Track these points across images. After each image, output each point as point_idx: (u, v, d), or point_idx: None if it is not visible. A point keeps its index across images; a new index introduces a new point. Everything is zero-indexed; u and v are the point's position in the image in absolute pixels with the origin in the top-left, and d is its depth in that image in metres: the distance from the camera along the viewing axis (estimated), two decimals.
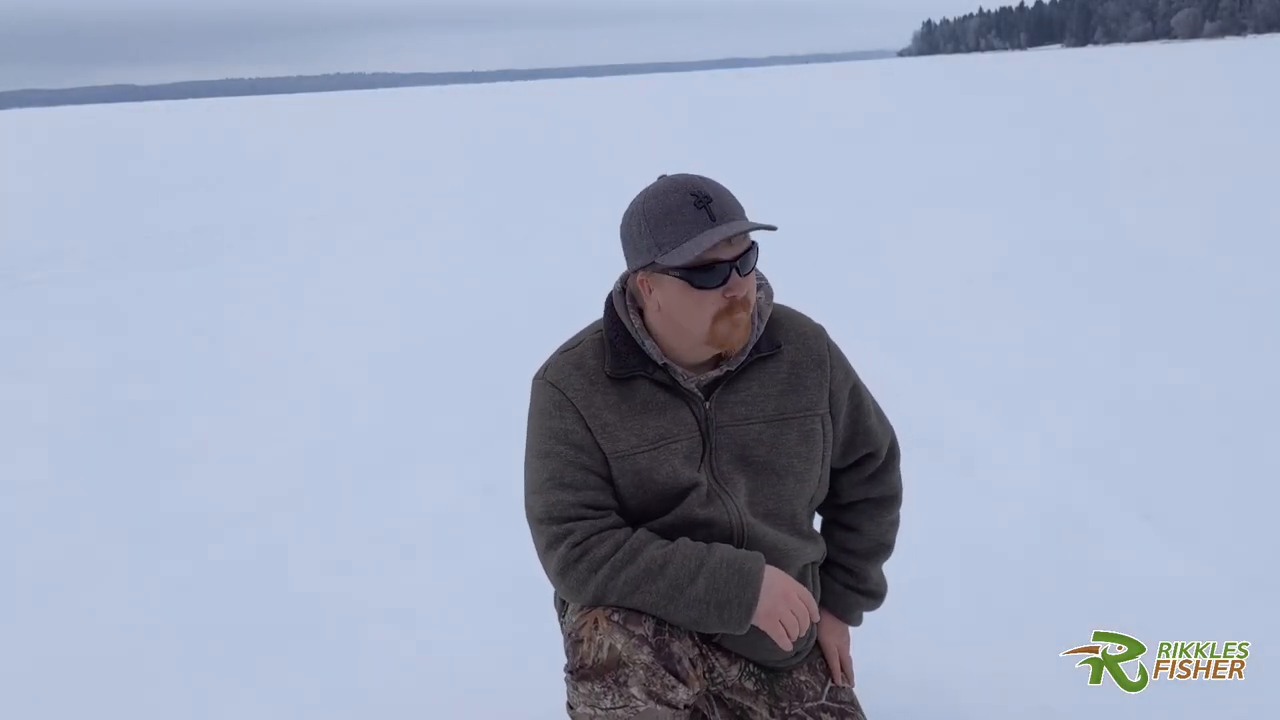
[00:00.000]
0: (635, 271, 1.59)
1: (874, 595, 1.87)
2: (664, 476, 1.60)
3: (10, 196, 16.45)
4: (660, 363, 1.61)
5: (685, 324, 1.56)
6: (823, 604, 1.84)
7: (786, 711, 1.74)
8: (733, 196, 1.56)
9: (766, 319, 1.66)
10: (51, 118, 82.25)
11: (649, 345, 1.61)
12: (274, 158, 22.54)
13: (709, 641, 1.71)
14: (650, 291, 1.58)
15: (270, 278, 7.94)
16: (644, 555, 1.54)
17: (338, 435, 4.18)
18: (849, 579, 1.84)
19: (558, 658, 1.72)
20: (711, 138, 19.73)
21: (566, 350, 1.68)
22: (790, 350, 1.68)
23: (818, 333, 1.72)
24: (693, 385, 1.62)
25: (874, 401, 1.80)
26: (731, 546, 1.59)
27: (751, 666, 1.76)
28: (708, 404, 1.63)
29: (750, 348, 1.63)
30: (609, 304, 1.67)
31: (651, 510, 1.62)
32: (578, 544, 1.54)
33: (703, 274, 1.50)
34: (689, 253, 1.48)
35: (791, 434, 1.66)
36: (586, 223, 9.57)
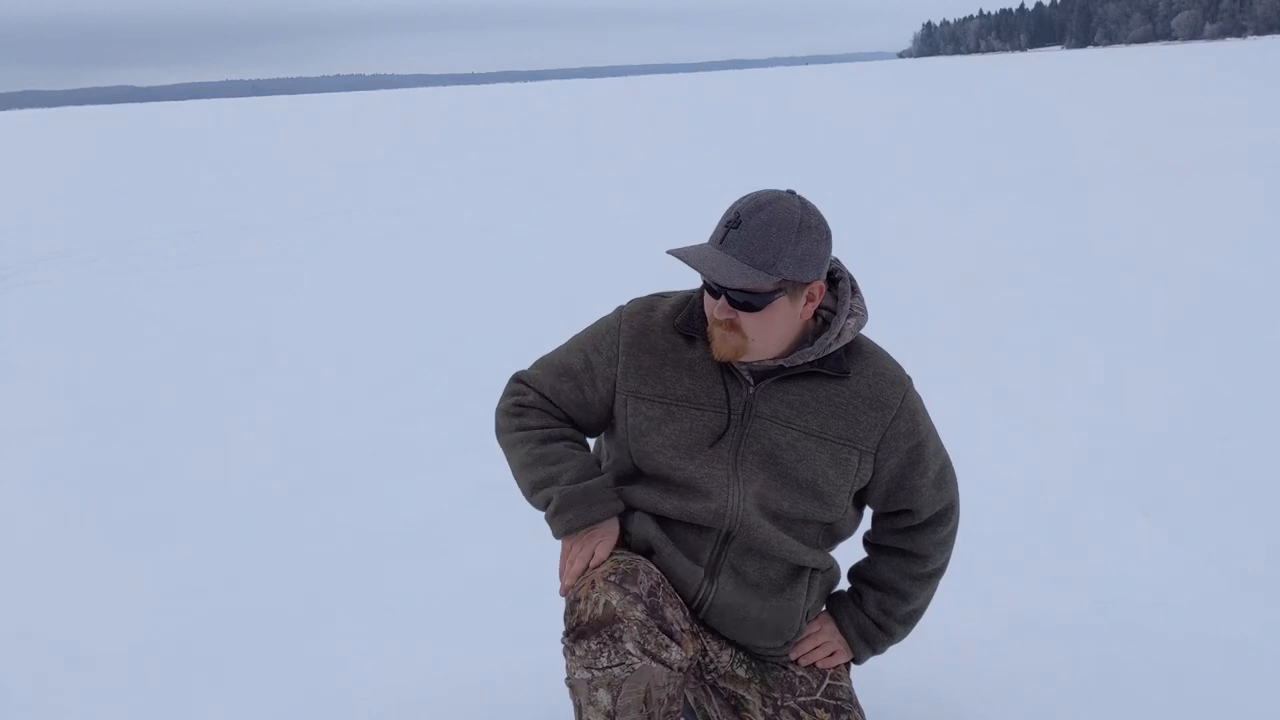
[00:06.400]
0: None
1: (874, 623, 1.84)
2: (670, 433, 1.67)
3: (10, 197, 16.46)
4: None
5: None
6: (830, 610, 1.88)
7: (779, 704, 1.76)
8: (770, 235, 1.54)
9: (844, 343, 1.67)
10: (51, 119, 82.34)
11: None
12: (274, 158, 22.55)
13: (701, 623, 1.75)
14: None
15: (269, 278, 7.94)
16: (551, 447, 1.72)
17: (336, 435, 4.18)
18: (852, 595, 1.88)
19: (553, 659, 1.72)
20: (712, 137, 19.75)
21: (654, 295, 1.80)
22: (858, 382, 1.69)
23: (897, 380, 1.72)
24: (744, 368, 1.66)
25: (941, 470, 1.78)
26: (606, 482, 1.70)
27: (742, 654, 1.79)
28: (754, 389, 1.66)
29: (812, 358, 1.65)
30: None
31: (646, 461, 1.68)
32: (523, 404, 1.77)
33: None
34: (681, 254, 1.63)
35: (824, 455, 1.67)
36: (585, 222, 9.59)
